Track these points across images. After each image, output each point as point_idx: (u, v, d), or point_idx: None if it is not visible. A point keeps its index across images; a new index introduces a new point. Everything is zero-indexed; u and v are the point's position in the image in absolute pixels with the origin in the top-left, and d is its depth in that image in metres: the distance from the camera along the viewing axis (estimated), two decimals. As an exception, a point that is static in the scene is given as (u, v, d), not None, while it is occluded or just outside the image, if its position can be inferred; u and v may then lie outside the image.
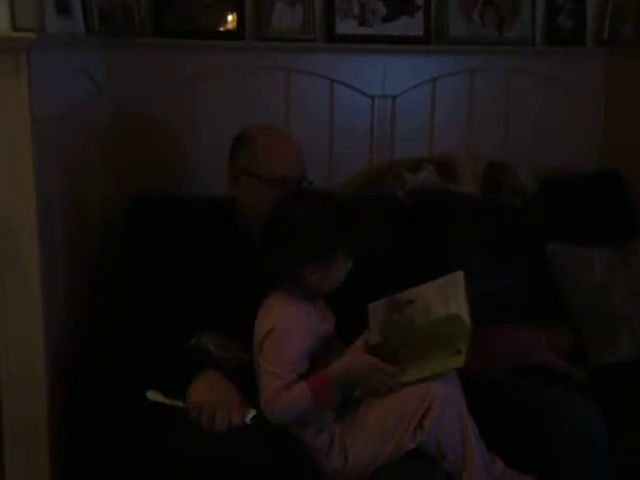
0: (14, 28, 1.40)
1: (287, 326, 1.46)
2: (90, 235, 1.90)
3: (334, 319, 1.57)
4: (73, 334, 1.72)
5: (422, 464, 1.45)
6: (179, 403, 1.50)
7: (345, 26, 2.29)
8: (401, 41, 2.33)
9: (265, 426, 1.47)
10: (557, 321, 2.10)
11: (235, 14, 2.20)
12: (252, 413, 1.47)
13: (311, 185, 1.74)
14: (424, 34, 2.35)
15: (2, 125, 1.41)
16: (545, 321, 2.07)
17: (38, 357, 1.51)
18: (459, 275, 1.55)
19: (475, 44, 2.41)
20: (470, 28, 2.40)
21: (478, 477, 1.46)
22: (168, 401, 1.52)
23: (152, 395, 1.53)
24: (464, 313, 1.47)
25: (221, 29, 2.21)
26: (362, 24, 2.30)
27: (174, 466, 1.42)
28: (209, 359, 1.58)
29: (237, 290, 1.63)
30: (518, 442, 1.57)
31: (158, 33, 2.16)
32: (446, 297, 1.52)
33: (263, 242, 1.52)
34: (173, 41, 2.16)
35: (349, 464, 1.46)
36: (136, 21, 2.10)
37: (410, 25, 2.34)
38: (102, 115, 2.03)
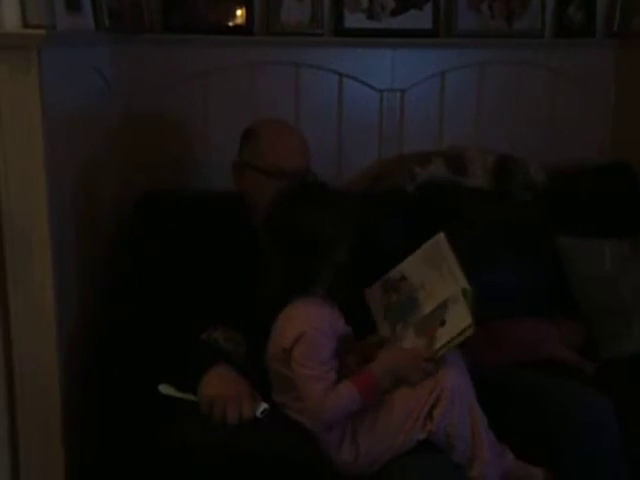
0: (25, 25, 1.41)
1: (316, 328, 1.45)
2: (101, 231, 1.91)
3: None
4: (85, 329, 1.73)
5: (432, 455, 1.45)
6: (191, 397, 1.51)
7: (354, 20, 2.28)
8: (410, 34, 2.32)
9: (276, 420, 1.48)
10: (568, 314, 2.09)
11: (244, 9, 2.20)
12: (263, 406, 1.48)
13: (315, 178, 1.74)
14: (433, 27, 2.34)
15: (14, 121, 1.42)
16: (556, 314, 2.07)
17: (51, 353, 1.52)
18: (441, 238, 1.55)
19: (484, 37, 2.40)
20: (479, 21, 2.39)
21: (487, 468, 1.46)
22: (180, 395, 1.53)
23: (164, 389, 1.54)
24: (462, 280, 1.47)
25: (230, 24, 2.21)
26: (371, 18, 2.30)
27: (186, 459, 1.43)
28: (220, 353, 1.59)
29: (247, 284, 1.64)
30: (529, 435, 1.57)
31: (167, 29, 2.16)
32: (438, 266, 1.52)
33: (277, 248, 1.50)
34: (182, 37, 2.16)
35: (360, 457, 1.46)
36: (145, 17, 2.11)
37: (419, 18, 2.33)
38: (112, 111, 2.04)
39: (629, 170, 2.43)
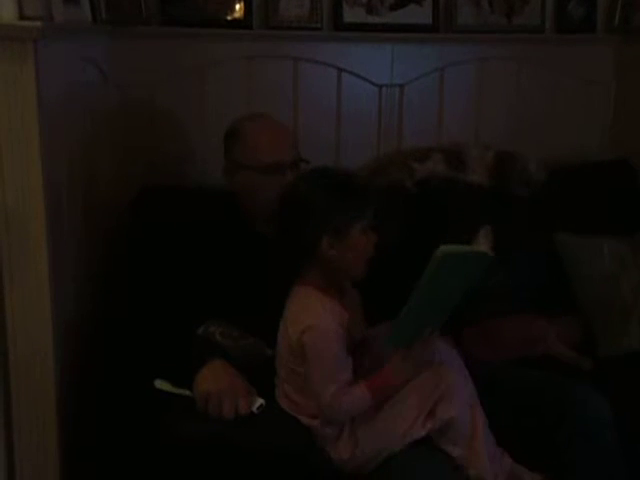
0: (21, 17, 1.40)
1: (326, 324, 1.43)
2: (98, 223, 1.90)
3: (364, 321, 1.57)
4: (81, 324, 1.72)
5: (430, 454, 1.45)
6: (186, 392, 1.51)
7: (353, 14, 2.27)
8: (409, 29, 2.31)
9: (273, 415, 1.48)
10: (566, 311, 2.09)
11: (243, 3, 2.19)
12: (259, 402, 1.48)
13: (308, 164, 1.73)
14: (432, 22, 2.33)
15: (10, 113, 1.41)
16: (554, 311, 2.07)
17: (47, 348, 1.51)
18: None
19: (484, 32, 2.39)
20: (479, 16, 2.38)
21: (486, 469, 1.45)
22: (176, 390, 1.53)
23: (160, 384, 1.54)
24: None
25: (229, 18, 2.20)
26: (370, 12, 2.29)
27: (182, 455, 1.43)
28: (216, 348, 1.58)
29: (241, 279, 1.64)
30: (526, 432, 1.57)
31: (165, 22, 2.15)
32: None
33: (276, 227, 1.50)
34: (180, 30, 2.15)
35: (357, 454, 1.45)
36: (143, 10, 2.10)
37: (418, 13, 2.32)
38: (108, 104, 2.02)
39: (629, 166, 2.42)
